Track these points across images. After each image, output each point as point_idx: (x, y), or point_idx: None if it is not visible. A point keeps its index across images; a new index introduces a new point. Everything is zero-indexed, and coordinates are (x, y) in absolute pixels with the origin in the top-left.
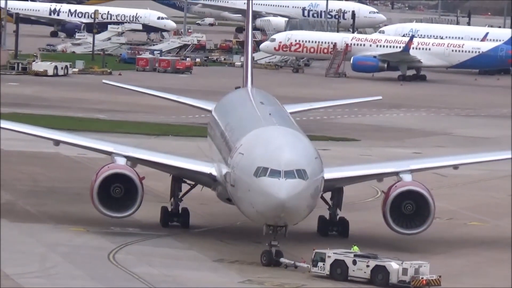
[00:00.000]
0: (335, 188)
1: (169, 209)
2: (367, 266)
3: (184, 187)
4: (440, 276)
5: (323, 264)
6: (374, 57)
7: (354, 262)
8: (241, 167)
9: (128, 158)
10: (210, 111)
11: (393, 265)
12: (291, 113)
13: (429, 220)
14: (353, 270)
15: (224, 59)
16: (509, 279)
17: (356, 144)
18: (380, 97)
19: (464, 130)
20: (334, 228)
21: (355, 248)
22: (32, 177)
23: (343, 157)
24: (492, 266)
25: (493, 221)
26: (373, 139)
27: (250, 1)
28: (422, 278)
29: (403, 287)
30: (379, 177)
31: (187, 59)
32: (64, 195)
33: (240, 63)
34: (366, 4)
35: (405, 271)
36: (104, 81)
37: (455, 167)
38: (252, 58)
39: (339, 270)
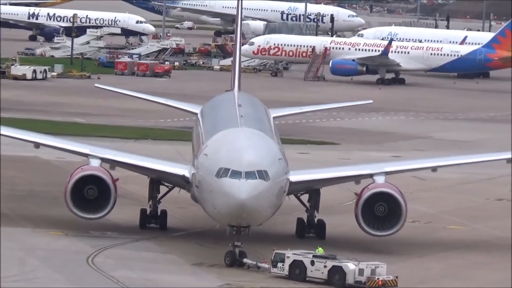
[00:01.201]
0: (312, 190)
1: (148, 212)
2: (325, 266)
3: (163, 190)
4: (396, 277)
5: (283, 265)
6: (353, 60)
7: (312, 263)
8: (204, 168)
9: (104, 160)
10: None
11: (350, 266)
12: (279, 116)
13: (401, 222)
14: (311, 271)
15: (203, 62)
16: (489, 282)
17: (335, 148)
18: (370, 101)
19: (443, 134)
20: (311, 230)
21: (320, 250)
22: (11, 180)
23: (322, 160)
24: (472, 269)
25: (472, 225)
26: (352, 142)
27: (240, 4)
28: (378, 278)
29: None
30: (354, 179)
31: (166, 62)
32: (42, 199)
33: (218, 67)
34: (345, 8)
35: (361, 271)
36: (96, 85)
37: (434, 169)
38: (231, 61)
39: (297, 271)
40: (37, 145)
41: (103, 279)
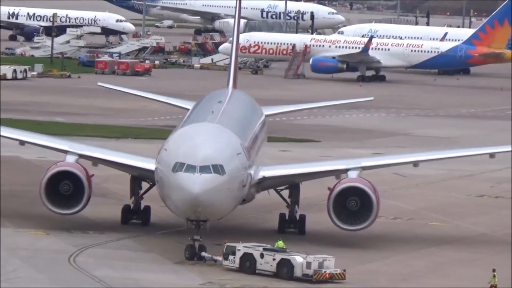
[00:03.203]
0: (292, 185)
1: (131, 207)
2: (273, 259)
3: (146, 186)
4: (344, 270)
5: (234, 257)
6: (333, 58)
7: (262, 256)
8: (163, 162)
9: (82, 156)
10: None
11: (297, 259)
12: (275, 114)
13: (372, 217)
14: (261, 264)
15: (183, 61)
16: (471, 279)
17: (316, 145)
18: (371, 98)
19: (424, 130)
20: (291, 225)
21: (280, 243)
22: None
23: (304, 158)
24: (453, 266)
25: (454, 221)
26: (333, 140)
27: (239, 3)
28: (325, 272)
29: (307, 281)
30: (330, 174)
31: (146, 61)
32: (24, 199)
33: (199, 65)
34: (325, 5)
35: (308, 264)
36: (99, 83)
37: (415, 164)
38: (211, 60)
39: (248, 263)
40: (22, 142)
41: (85, 278)
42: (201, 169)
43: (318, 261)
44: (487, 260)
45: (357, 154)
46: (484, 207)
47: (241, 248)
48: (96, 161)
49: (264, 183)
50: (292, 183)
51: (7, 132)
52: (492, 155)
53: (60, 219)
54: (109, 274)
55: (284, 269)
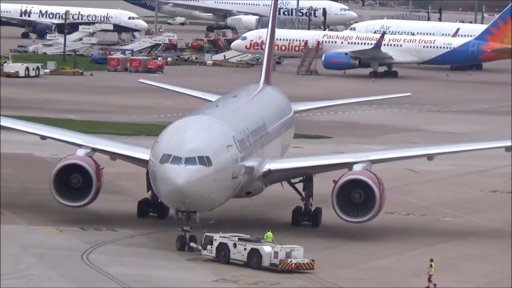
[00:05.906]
0: (305, 178)
1: (149, 201)
2: (245, 249)
3: None
4: (313, 260)
5: (211, 247)
6: (346, 54)
7: (235, 245)
8: (154, 154)
9: (95, 150)
10: None
11: (265, 249)
12: (306, 110)
13: (374, 209)
14: (234, 253)
15: (196, 58)
16: (484, 274)
17: (329, 142)
18: (409, 94)
19: (437, 126)
20: (304, 218)
21: (269, 234)
22: (4, 178)
23: (316, 154)
24: (466, 261)
25: (466, 217)
26: (345, 136)
27: (275, 2)
28: (291, 261)
29: (273, 270)
30: (338, 167)
31: (159, 58)
32: (36, 196)
33: (211, 62)
34: (337, 2)
35: (276, 254)
36: (140, 80)
37: (430, 158)
38: (224, 56)
39: (222, 253)
40: (43, 137)
41: (97, 275)
42: (186, 161)
43: (286, 251)
44: (500, 255)
45: (369, 150)
46: (497, 202)
47: (218, 238)
48: (109, 154)
49: (271, 176)
50: (304, 176)
51: (21, 125)
52: (508, 148)
53: (72, 217)
54: (122, 271)
55: (254, 259)
